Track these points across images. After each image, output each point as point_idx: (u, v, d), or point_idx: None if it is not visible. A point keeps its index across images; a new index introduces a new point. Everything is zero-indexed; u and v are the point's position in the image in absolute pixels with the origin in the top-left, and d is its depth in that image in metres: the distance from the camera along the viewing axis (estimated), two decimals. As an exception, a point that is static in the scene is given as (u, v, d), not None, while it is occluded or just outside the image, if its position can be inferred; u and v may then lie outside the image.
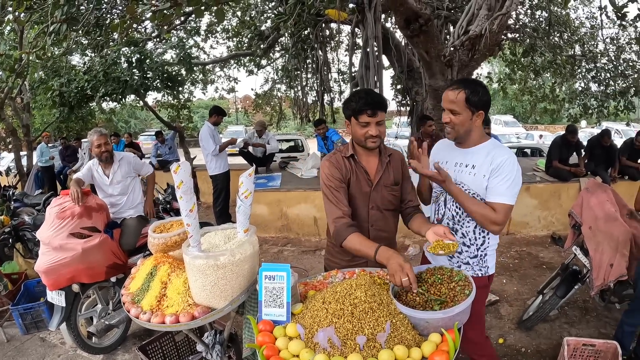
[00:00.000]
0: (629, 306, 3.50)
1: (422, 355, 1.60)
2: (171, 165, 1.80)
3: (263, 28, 10.59)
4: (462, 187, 2.26)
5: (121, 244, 3.91)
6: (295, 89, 11.81)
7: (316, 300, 1.80)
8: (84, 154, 10.56)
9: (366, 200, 2.44)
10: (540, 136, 20.87)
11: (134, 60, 7.54)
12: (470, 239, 2.36)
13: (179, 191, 1.80)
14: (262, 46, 10.42)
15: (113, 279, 3.83)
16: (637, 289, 3.30)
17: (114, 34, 7.52)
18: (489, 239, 2.37)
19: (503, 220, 2.18)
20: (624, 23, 8.28)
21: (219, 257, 1.81)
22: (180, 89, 9.96)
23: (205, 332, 2.56)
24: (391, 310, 1.71)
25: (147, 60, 7.64)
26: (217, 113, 7.05)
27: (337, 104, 11.87)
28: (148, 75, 7.71)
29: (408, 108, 10.46)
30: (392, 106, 11.84)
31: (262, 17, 11.00)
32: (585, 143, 7.93)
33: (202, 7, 4.15)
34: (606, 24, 10.56)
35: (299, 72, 11.25)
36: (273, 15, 10.27)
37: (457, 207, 2.34)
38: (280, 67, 13.26)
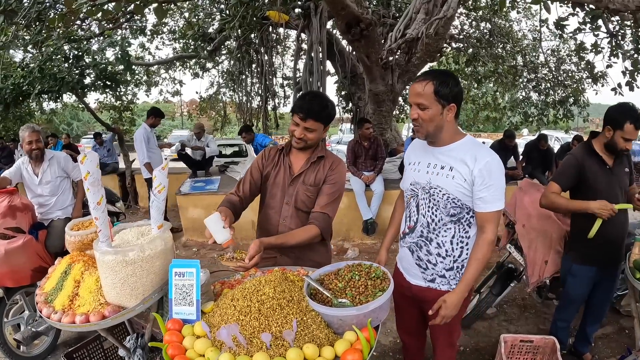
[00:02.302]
0: (559, 302, 3.55)
1: (334, 354, 1.54)
2: (78, 156, 1.71)
3: (210, 30, 10.45)
4: (439, 191, 2.06)
5: (47, 246, 3.73)
6: (240, 93, 11.67)
7: (226, 297, 1.74)
8: (21, 155, 10.11)
9: (283, 193, 2.44)
10: (483, 142, 21.60)
11: (71, 57, 7.26)
12: (446, 250, 2.15)
13: (85, 183, 1.70)
14: (207, 48, 10.27)
15: (39, 284, 3.63)
16: (564, 286, 3.34)
17: (56, 30, 7.25)
18: (467, 249, 2.16)
19: (496, 229, 2.06)
20: (564, 35, 8.62)
21: (128, 253, 1.72)
22: (121, 89, 9.65)
23: (128, 335, 2.46)
24: (302, 308, 1.65)
25: (86, 57, 7.37)
26: (155, 115, 6.93)
27: (282, 109, 11.82)
28: (87, 73, 7.44)
29: (351, 114, 10.55)
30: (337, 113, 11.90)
31: (209, 19, 10.85)
32: (523, 148, 8.22)
33: (142, 4, 4.03)
34: (548, 37, 11.00)
35: (243, 76, 11.13)
36: (219, 17, 10.16)
37: (432, 213, 2.12)
38: (225, 71, 13.11)
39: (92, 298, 1.88)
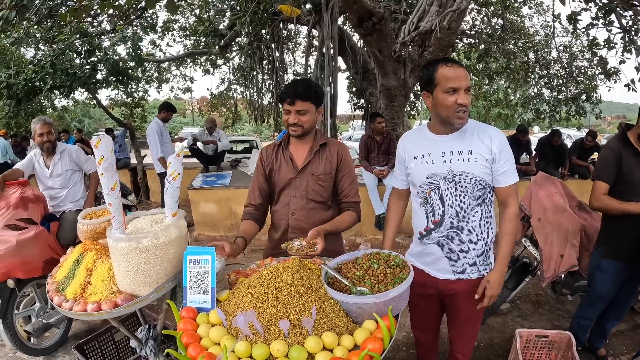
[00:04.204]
0: (583, 300, 3.46)
1: (354, 342, 1.51)
2: (92, 139, 1.69)
3: (221, 27, 10.44)
4: (467, 176, 2.04)
5: (59, 237, 3.73)
6: (251, 90, 11.66)
7: (242, 285, 1.70)
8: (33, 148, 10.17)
9: (290, 187, 2.44)
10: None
11: (82, 51, 7.28)
12: (477, 234, 2.13)
13: (99, 167, 1.68)
14: (219, 44, 10.26)
15: (51, 273, 3.63)
16: (592, 282, 3.24)
17: (68, 26, 7.27)
18: (492, 229, 2.18)
19: (517, 201, 2.13)
20: (576, 31, 8.52)
21: (142, 240, 1.68)
22: (132, 85, 9.65)
23: (139, 327, 2.43)
24: (321, 296, 1.61)
25: (97, 52, 7.38)
26: (167, 109, 6.96)
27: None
28: (99, 68, 7.46)
29: (363, 110, 10.50)
30: (347, 108, 11.92)
31: (219, 16, 10.85)
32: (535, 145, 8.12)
33: (153, -2, 4.02)
34: (560, 33, 10.89)
35: (254, 72, 11.10)
36: (230, 13, 10.15)
37: (461, 201, 2.08)
38: (236, 67, 13.10)
39: (104, 286, 1.85)
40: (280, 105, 8.99)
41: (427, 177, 2.14)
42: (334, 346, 1.46)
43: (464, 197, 2.07)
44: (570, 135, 19.06)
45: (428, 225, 2.19)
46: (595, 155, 7.98)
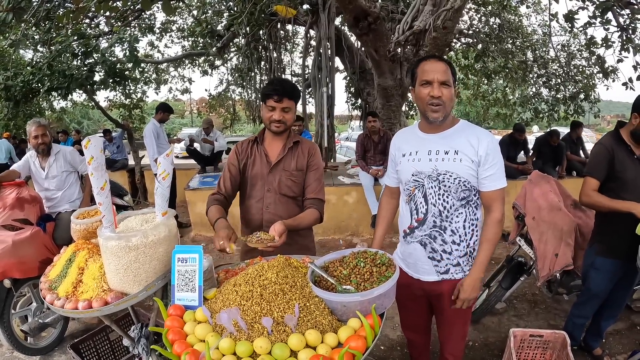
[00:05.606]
0: (577, 298, 3.45)
1: (338, 340, 1.51)
2: (83, 141, 1.70)
3: (219, 27, 10.47)
4: (450, 176, 2.03)
5: (55, 238, 3.76)
6: (249, 90, 11.70)
7: (229, 283, 1.72)
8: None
9: (263, 182, 2.51)
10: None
11: (79, 52, 7.29)
12: (460, 236, 2.13)
13: (89, 167, 1.70)
14: (217, 45, 10.29)
15: (45, 272, 3.66)
16: (586, 280, 3.24)
17: (65, 28, 7.29)
18: (477, 231, 2.16)
19: (503, 207, 2.09)
20: (574, 29, 8.53)
21: (131, 238, 1.70)
22: (130, 86, 9.66)
23: (132, 325, 2.45)
24: (305, 294, 1.62)
25: (94, 54, 7.39)
26: (164, 110, 7.00)
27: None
28: (96, 70, 7.47)
29: (360, 110, 10.56)
30: (345, 108, 11.96)
31: (217, 17, 10.89)
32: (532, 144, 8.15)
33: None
34: (558, 32, 10.92)
35: (252, 73, 11.14)
36: (227, 14, 10.20)
37: (444, 200, 2.07)
38: (234, 68, 13.15)
39: (95, 284, 1.87)
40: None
41: (412, 175, 2.15)
42: (317, 344, 1.47)
43: (447, 197, 2.07)
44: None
45: (412, 223, 2.20)
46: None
